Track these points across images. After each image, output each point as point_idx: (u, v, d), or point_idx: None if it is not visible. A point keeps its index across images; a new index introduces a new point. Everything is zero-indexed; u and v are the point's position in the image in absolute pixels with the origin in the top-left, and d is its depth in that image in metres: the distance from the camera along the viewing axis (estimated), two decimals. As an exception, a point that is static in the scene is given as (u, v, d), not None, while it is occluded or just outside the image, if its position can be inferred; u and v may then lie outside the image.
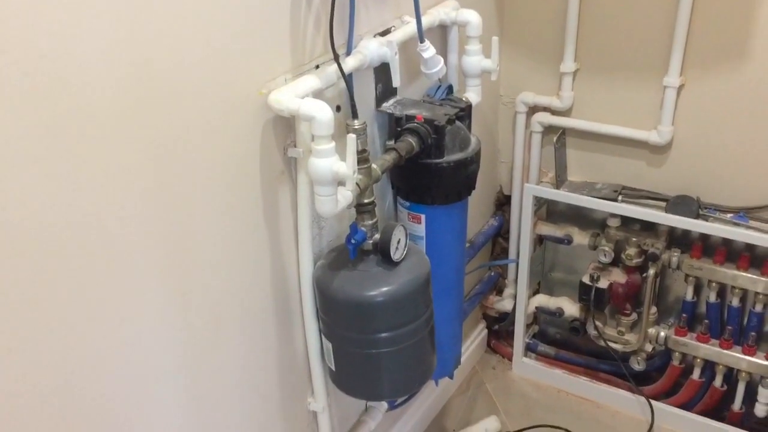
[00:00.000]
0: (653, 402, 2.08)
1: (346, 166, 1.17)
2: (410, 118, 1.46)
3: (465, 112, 1.55)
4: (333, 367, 1.43)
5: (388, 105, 1.52)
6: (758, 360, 1.90)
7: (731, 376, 1.99)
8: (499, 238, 2.30)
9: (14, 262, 0.89)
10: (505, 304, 2.31)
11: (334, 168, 1.17)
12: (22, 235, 0.89)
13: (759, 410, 1.93)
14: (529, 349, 2.32)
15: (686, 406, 2.07)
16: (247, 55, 1.16)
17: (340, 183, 1.21)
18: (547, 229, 2.14)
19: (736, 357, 1.92)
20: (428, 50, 1.44)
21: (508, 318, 2.33)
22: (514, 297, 2.24)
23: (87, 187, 0.96)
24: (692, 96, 1.83)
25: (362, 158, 1.28)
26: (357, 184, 1.26)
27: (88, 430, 1.06)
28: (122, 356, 1.08)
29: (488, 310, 2.36)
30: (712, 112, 1.82)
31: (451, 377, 1.85)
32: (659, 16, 1.78)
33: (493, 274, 2.33)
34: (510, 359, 2.34)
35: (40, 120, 0.88)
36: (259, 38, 1.18)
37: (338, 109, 1.36)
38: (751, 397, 1.95)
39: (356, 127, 1.28)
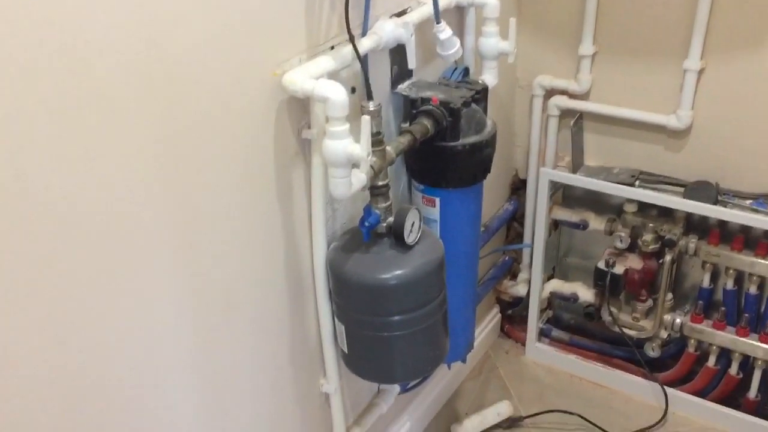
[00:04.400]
0: (667, 389, 2.07)
1: (361, 148, 1.16)
2: (425, 101, 1.45)
3: (481, 95, 1.53)
4: (345, 350, 1.43)
5: (403, 87, 1.51)
6: (775, 348, 1.88)
7: (747, 363, 1.97)
8: (514, 222, 2.28)
9: (26, 242, 0.89)
10: (519, 289, 2.30)
11: (348, 150, 1.16)
12: (33, 216, 0.89)
13: (775, 398, 1.92)
14: (542, 334, 2.31)
15: (701, 394, 2.06)
16: (260, 35, 1.15)
17: (354, 165, 1.20)
18: (563, 214, 2.12)
19: (752, 345, 1.91)
20: (444, 31, 1.43)
21: (521, 303, 2.32)
22: (529, 282, 2.23)
23: (99, 170, 0.95)
24: (712, 80, 1.80)
25: (377, 140, 1.27)
26: (371, 166, 1.25)
27: (102, 412, 1.06)
28: (135, 338, 1.08)
29: (502, 294, 2.36)
30: (733, 97, 1.79)
31: (464, 361, 1.85)
32: (681, -3, 1.75)
33: (507, 258, 2.31)
34: (523, 344, 2.33)
35: (52, 101, 0.87)
36: (274, 18, 1.16)
37: (353, 90, 1.35)
38: (766, 385, 1.93)
39: (371, 108, 1.27)
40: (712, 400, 2.04)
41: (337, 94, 1.14)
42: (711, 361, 2.01)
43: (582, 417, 2.05)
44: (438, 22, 1.42)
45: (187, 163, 1.09)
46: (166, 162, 1.05)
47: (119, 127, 0.97)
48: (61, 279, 0.95)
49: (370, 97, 1.28)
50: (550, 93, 2.03)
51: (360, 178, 1.22)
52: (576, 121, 2.00)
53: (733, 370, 1.98)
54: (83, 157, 0.93)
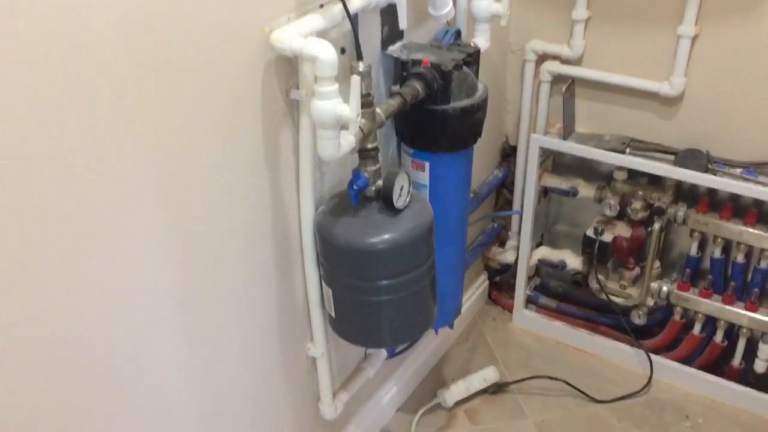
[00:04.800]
0: (652, 356, 2.09)
1: (350, 109, 1.14)
2: (416, 63, 1.43)
3: (473, 58, 1.51)
4: (333, 314, 1.42)
5: (394, 49, 1.48)
6: (760, 316, 1.89)
7: (732, 331, 1.99)
8: (503, 189, 2.27)
9: (9, 196, 0.87)
10: (507, 256, 2.30)
11: (337, 111, 1.14)
12: (15, 167, 0.87)
13: (759, 366, 1.93)
14: (530, 301, 2.32)
15: (686, 361, 2.07)
16: (248, -9, 1.12)
17: (343, 127, 1.18)
18: (553, 181, 2.11)
19: (737, 313, 1.92)
20: (437, -9, 1.40)
21: (509, 270, 2.32)
22: (517, 249, 2.23)
23: (86, 123, 0.93)
24: (707, 47, 1.78)
25: (366, 102, 1.25)
26: (360, 128, 1.23)
27: (88, 369, 1.05)
28: (122, 296, 1.07)
29: (490, 261, 2.35)
30: (727, 64, 1.77)
31: (451, 327, 1.85)
32: (676, -38, 1.72)
33: (496, 225, 2.31)
34: (510, 311, 2.34)
35: (40, 52, 0.85)
36: (262, -26, 1.13)
37: (343, 51, 1.33)
38: (751, 353, 1.95)
39: (361, 69, 1.24)
40: (696, 368, 2.05)
41: (326, 53, 1.11)
42: (696, 329, 2.02)
43: (567, 383, 2.07)
44: (430, -18, 1.39)
45: (173, 121, 1.06)
46: (151, 121, 1.03)
47: (105, 82, 0.94)
48: (48, 233, 0.93)
49: (360, 57, 1.25)
50: (542, 58, 2.01)
51: (349, 140, 1.20)
52: (568, 88, 1.98)
53: (718, 337, 1.99)
54: (69, 109, 0.91)
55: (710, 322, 2.00)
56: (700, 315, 1.99)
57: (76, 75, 0.91)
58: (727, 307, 1.92)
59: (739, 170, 1.80)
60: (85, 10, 0.89)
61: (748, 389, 1.98)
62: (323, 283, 1.42)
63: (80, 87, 0.91)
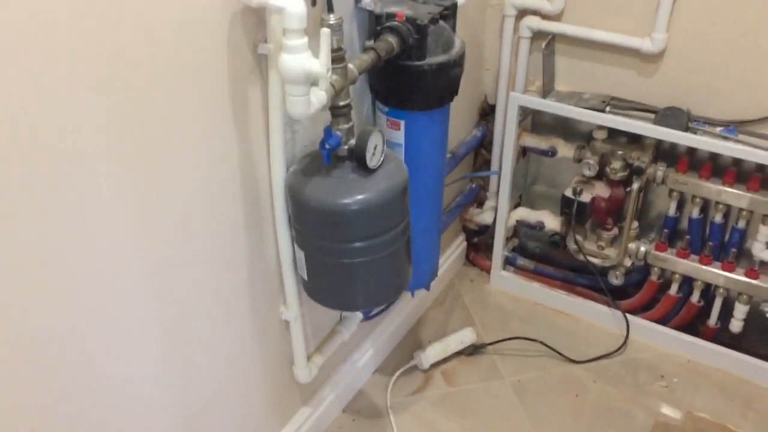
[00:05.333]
0: (629, 316, 2.09)
1: (320, 64, 1.09)
2: (391, 16, 1.37)
3: (449, 12, 1.45)
4: (305, 277, 1.39)
5: (367, 1, 1.42)
6: (737, 276, 1.89)
7: (708, 292, 1.99)
8: (481, 149, 2.23)
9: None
10: (485, 217, 2.27)
11: (306, 65, 1.09)
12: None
13: (734, 326, 1.94)
14: (507, 262, 2.30)
15: (662, 321, 2.07)
16: (211, -63, 1.06)
17: (314, 83, 1.13)
18: (532, 141, 2.08)
19: (714, 273, 1.91)
20: (412, -60, 1.33)
21: (487, 231, 2.29)
22: (495, 210, 2.20)
23: (40, 86, 0.88)
24: (689, 3, 1.73)
25: (337, 57, 1.20)
26: (332, 84, 1.18)
27: (49, 334, 1.01)
28: (85, 259, 1.03)
29: (468, 222, 2.33)
30: (709, 21, 1.73)
31: (428, 289, 1.83)
32: None
33: (474, 186, 2.28)
34: (488, 272, 2.32)
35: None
36: None
37: (314, 3, 1.26)
38: (727, 313, 1.95)
39: (331, 22, 1.19)
40: (672, 328, 2.06)
41: (294, 4, 1.06)
42: (673, 289, 2.02)
43: (544, 344, 2.06)
44: (405, -70, 1.32)
45: (135, 77, 1.01)
46: (113, 78, 0.97)
47: (63, 41, 0.89)
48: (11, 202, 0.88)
49: (330, 9, 1.20)
50: (522, 13, 1.95)
51: (319, 96, 1.15)
52: (548, 44, 1.93)
53: (695, 297, 1.99)
54: (28, 70, 0.85)
55: (687, 283, 2.00)
56: (677, 275, 1.98)
57: (37, 34, 0.85)
58: (704, 267, 1.92)
59: (719, 129, 1.78)
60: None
61: (723, 349, 1.99)
62: (295, 246, 1.38)
63: (39, 46, 0.86)
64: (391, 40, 1.35)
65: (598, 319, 2.15)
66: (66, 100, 0.92)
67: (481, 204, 2.30)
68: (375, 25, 1.40)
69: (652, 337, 2.07)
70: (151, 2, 0.99)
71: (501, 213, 2.16)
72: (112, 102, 0.99)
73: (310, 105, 1.14)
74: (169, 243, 1.17)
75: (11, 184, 0.89)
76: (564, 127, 2.05)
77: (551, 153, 2.05)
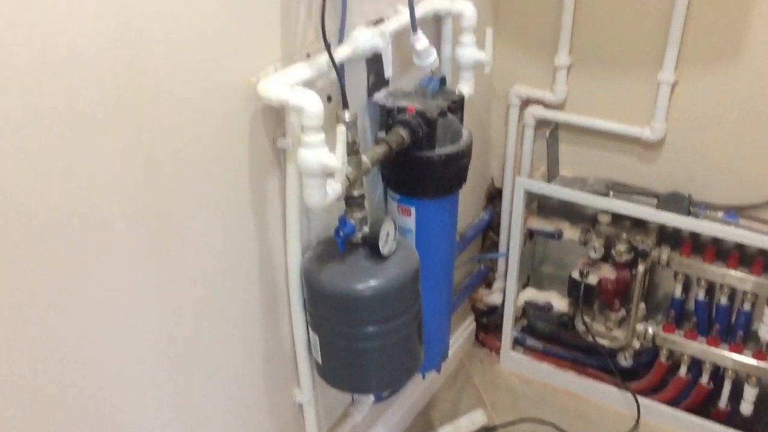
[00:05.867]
0: (640, 398, 2.09)
1: (336, 159, 1.15)
2: (402, 110, 1.45)
3: (457, 105, 1.53)
4: (319, 360, 1.42)
5: (379, 96, 1.50)
6: (745, 358, 1.90)
7: (718, 373, 1.99)
8: (489, 231, 2.29)
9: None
10: (494, 298, 2.30)
11: (323, 160, 1.15)
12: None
13: (744, 408, 1.93)
14: (517, 342, 2.32)
15: (672, 403, 2.07)
16: (236, 42, 1.14)
17: (330, 175, 1.19)
18: (538, 224, 2.13)
19: (723, 355, 1.93)
20: (421, 41, 1.42)
21: (496, 311, 2.32)
22: (503, 291, 2.24)
23: (74, 173, 0.94)
24: (686, 93, 1.82)
25: (352, 150, 1.26)
26: (346, 176, 1.24)
27: (72, 417, 1.04)
28: (106, 340, 1.06)
29: (477, 303, 2.36)
30: (706, 110, 1.81)
31: (438, 371, 1.85)
32: (655, 11, 1.76)
33: (482, 267, 2.32)
34: (498, 352, 2.33)
35: (32, 101, 0.86)
36: (250, 25, 1.15)
37: (329, 99, 1.34)
38: (737, 395, 1.95)
39: (347, 118, 1.26)
40: (683, 410, 2.05)
41: (312, 104, 1.13)
42: (682, 371, 2.02)
43: (555, 426, 2.06)
44: (415, 32, 1.41)
45: (160, 168, 1.07)
46: (141, 167, 1.04)
47: (94, 130, 0.95)
48: (39, 287, 0.93)
49: (346, 106, 1.27)
50: (526, 103, 2.04)
51: (335, 188, 1.21)
52: (551, 132, 2.01)
53: (704, 379, 2.00)
54: (59, 162, 0.92)
55: (696, 364, 2.00)
56: (685, 357, 1.99)
57: (67, 121, 0.91)
58: (712, 349, 1.93)
59: (720, 213, 1.83)
60: (76, 61, 0.90)
61: (735, 431, 1.98)
62: (310, 329, 1.42)
63: (70, 132, 0.92)
64: (402, 132, 1.42)
65: (608, 400, 2.15)
66: (95, 187, 0.98)
67: (489, 285, 2.33)
68: (386, 117, 1.47)
69: (664, 419, 2.07)
70: (178, 98, 1.06)
71: (509, 294, 2.19)
72: (139, 190, 1.04)
73: (326, 196, 1.20)
74: (187, 323, 1.21)
75: (43, 263, 0.94)
76: (569, 211, 2.11)
77: (557, 236, 2.10)
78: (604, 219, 2.01)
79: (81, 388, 1.05)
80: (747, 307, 1.88)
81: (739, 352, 1.90)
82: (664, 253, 1.92)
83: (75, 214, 0.96)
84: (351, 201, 1.33)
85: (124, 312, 1.08)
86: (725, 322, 1.93)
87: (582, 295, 2.02)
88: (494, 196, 2.26)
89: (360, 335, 1.34)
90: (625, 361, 2.09)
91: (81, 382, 1.04)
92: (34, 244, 0.92)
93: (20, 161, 0.87)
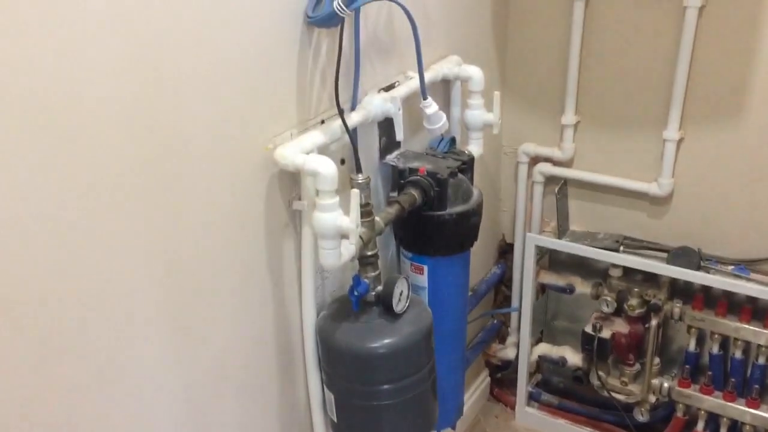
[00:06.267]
0: (657, 454, 2.06)
1: (350, 221, 1.19)
2: (413, 171, 1.49)
3: (467, 165, 1.57)
4: (335, 419, 1.43)
5: (391, 157, 1.55)
6: (762, 413, 1.88)
7: (735, 428, 1.97)
8: (502, 286, 2.31)
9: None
10: (507, 353, 2.30)
11: (337, 222, 1.19)
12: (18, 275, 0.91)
13: (764, 464, 1.91)
14: (531, 398, 2.31)
15: (691, 459, 2.05)
16: (254, 110, 1.19)
17: (344, 236, 1.22)
18: (550, 278, 2.15)
19: (740, 410, 1.91)
20: (431, 107, 1.47)
21: (510, 366, 2.32)
22: (517, 345, 2.24)
23: (92, 233, 0.98)
24: (691, 149, 1.85)
25: (365, 211, 1.30)
26: (360, 237, 1.28)
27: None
28: (123, 402, 1.09)
29: (491, 358, 2.36)
30: (712, 165, 1.84)
31: (453, 428, 1.84)
32: (658, 71, 1.81)
33: (495, 322, 2.33)
34: (513, 408, 2.32)
35: (56, 162, 0.91)
36: (267, 93, 1.21)
37: (342, 162, 1.39)
38: (756, 450, 1.93)
39: (360, 181, 1.30)
40: (702, 466, 2.03)
41: (326, 169, 1.17)
42: (700, 426, 2.00)
43: (573, 484, 2.03)
44: (425, 98, 1.46)
45: (180, 230, 1.11)
46: (157, 231, 1.07)
47: (111, 196, 0.99)
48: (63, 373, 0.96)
49: (359, 170, 1.32)
50: (534, 160, 2.08)
51: (349, 249, 1.25)
52: (560, 188, 2.04)
53: (722, 434, 1.98)
54: (81, 233, 0.95)
55: (713, 419, 1.99)
56: (702, 412, 1.98)
57: (84, 185, 0.96)
58: (729, 403, 1.92)
59: (731, 267, 1.84)
60: (96, 125, 0.95)
61: (755, 488, 1.95)
62: (325, 388, 1.43)
63: (87, 196, 0.96)
64: (414, 192, 1.46)
65: (626, 456, 2.13)
66: (114, 248, 1.02)
67: (503, 339, 2.34)
68: (398, 178, 1.52)
69: (683, 475, 2.04)
70: (197, 164, 1.11)
71: (523, 349, 2.19)
72: (156, 254, 1.08)
73: (341, 257, 1.24)
74: (203, 385, 1.23)
75: (67, 334, 0.97)
76: (580, 265, 2.12)
77: (569, 290, 2.11)
78: (616, 273, 2.02)
79: (102, 450, 1.07)
80: (762, 360, 1.88)
81: (756, 407, 1.89)
82: (677, 306, 1.93)
83: (94, 274, 1.00)
84: (365, 260, 1.36)
85: (142, 373, 1.11)
86: (741, 376, 1.92)
87: (596, 349, 2.02)
88: (506, 251, 2.29)
89: (375, 393, 1.36)
90: (641, 416, 2.08)
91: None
92: (60, 316, 0.95)
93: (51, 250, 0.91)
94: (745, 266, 1.83)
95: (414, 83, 1.49)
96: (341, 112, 1.28)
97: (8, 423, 0.92)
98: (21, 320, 0.91)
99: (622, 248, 1.97)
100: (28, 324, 0.92)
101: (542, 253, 2.13)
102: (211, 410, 1.26)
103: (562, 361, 2.16)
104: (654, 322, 1.96)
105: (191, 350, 1.19)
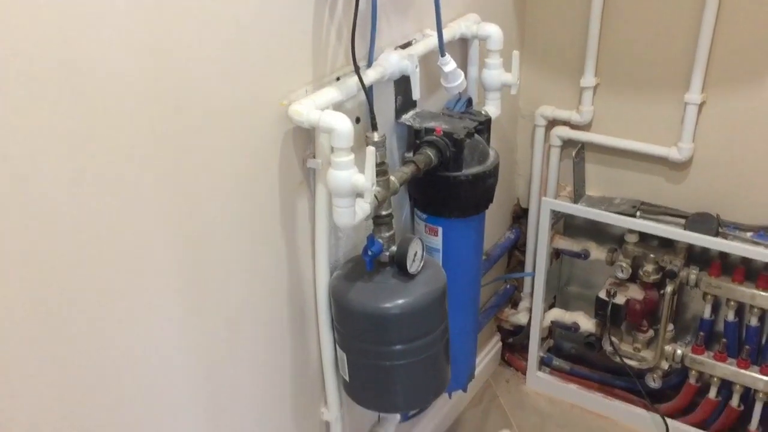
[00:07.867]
0: (668, 420, 2.06)
1: (365, 179, 1.17)
2: (429, 131, 1.47)
3: (484, 126, 1.55)
4: (347, 378, 1.43)
5: (407, 117, 1.52)
6: (776, 381, 1.88)
7: (748, 395, 1.97)
8: (515, 251, 2.29)
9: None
10: (520, 318, 2.30)
11: (352, 180, 1.18)
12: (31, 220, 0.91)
13: (776, 431, 1.91)
14: (543, 363, 2.31)
15: (702, 425, 2.05)
16: (269, 66, 1.17)
17: (359, 195, 1.21)
18: (564, 244, 2.13)
19: (753, 377, 1.90)
20: (449, 64, 1.44)
21: (522, 331, 2.32)
22: (530, 310, 2.23)
23: (109, 195, 0.97)
24: (713, 113, 1.82)
25: (381, 170, 1.29)
26: (375, 196, 1.26)
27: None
28: (140, 360, 1.09)
29: (503, 323, 2.36)
30: (733, 130, 1.81)
31: (465, 390, 1.85)
32: (681, 32, 1.77)
33: (508, 287, 2.32)
34: (524, 373, 2.33)
35: (67, 136, 0.90)
36: (282, 49, 1.19)
37: (358, 120, 1.37)
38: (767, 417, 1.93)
39: (375, 139, 1.28)
40: (713, 432, 2.03)
41: (342, 125, 1.15)
42: (712, 393, 2.00)
43: (583, 448, 2.04)
44: (443, 55, 1.44)
45: (192, 188, 1.10)
46: (171, 187, 1.06)
47: (125, 152, 0.98)
48: (76, 308, 0.96)
49: (374, 128, 1.30)
50: (552, 123, 2.05)
51: (364, 207, 1.23)
52: (578, 152, 2.02)
53: (735, 402, 1.97)
54: (93, 186, 0.94)
55: (726, 386, 1.98)
56: (715, 379, 1.97)
57: (99, 140, 0.95)
58: (742, 371, 1.91)
59: (749, 234, 1.82)
60: (107, 79, 0.94)
61: (766, 455, 1.95)
62: (338, 347, 1.43)
63: (102, 150, 0.95)
64: (430, 153, 1.44)
65: (636, 422, 2.13)
66: (128, 205, 1.01)
67: (515, 304, 2.33)
68: (414, 138, 1.50)
69: (693, 442, 2.04)
70: (211, 120, 1.09)
71: (536, 314, 2.19)
72: (171, 209, 1.07)
73: (355, 216, 1.22)
74: (216, 343, 1.23)
75: (77, 277, 0.97)
76: (596, 231, 2.10)
77: (584, 255, 2.09)
78: (631, 239, 2.00)
79: (114, 398, 1.07)
80: (778, 328, 1.87)
81: (770, 374, 1.88)
82: (693, 273, 1.91)
83: (110, 234, 0.99)
84: (379, 220, 1.34)
85: (156, 327, 1.11)
86: (755, 344, 1.91)
87: (609, 315, 2.01)
88: (520, 216, 2.27)
89: (387, 354, 1.35)
90: (653, 382, 2.08)
91: (114, 391, 1.07)
92: (72, 258, 0.95)
93: (65, 196, 0.91)
94: (764, 233, 1.81)
95: (431, 41, 1.46)
96: (357, 69, 1.26)
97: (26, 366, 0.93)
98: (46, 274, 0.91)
99: (638, 213, 1.95)
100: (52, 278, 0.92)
101: (557, 217, 2.11)
102: (223, 368, 1.26)
103: (574, 327, 2.16)
104: (669, 289, 1.94)
105: (203, 308, 1.18)
